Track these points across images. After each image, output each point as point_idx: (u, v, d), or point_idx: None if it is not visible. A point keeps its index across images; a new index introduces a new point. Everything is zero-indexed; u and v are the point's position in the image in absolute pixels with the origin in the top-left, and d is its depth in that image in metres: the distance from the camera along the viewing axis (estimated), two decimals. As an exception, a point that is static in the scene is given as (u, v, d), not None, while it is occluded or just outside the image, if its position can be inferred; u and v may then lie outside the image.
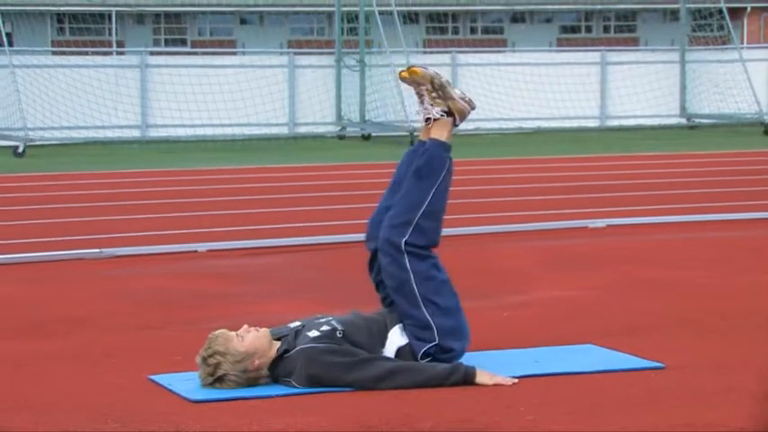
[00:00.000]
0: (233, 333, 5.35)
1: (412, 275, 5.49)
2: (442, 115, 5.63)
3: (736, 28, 32.00)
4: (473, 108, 5.72)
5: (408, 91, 5.99)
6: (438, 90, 5.62)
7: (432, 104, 5.63)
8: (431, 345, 5.46)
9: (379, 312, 5.60)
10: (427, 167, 5.57)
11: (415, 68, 5.64)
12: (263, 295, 7.77)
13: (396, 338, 5.47)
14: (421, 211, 5.54)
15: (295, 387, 5.27)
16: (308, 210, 11.80)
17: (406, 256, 5.50)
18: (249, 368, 5.28)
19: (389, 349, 5.45)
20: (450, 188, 5.66)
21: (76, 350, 6.14)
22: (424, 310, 5.48)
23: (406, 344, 5.47)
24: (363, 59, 21.30)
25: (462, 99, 5.66)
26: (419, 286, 5.49)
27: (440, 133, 5.63)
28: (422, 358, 5.46)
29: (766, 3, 42.54)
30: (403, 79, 5.68)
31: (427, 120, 5.66)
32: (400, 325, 5.50)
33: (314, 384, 5.26)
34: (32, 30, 31.40)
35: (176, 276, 8.50)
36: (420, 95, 5.65)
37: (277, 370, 5.33)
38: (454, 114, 5.64)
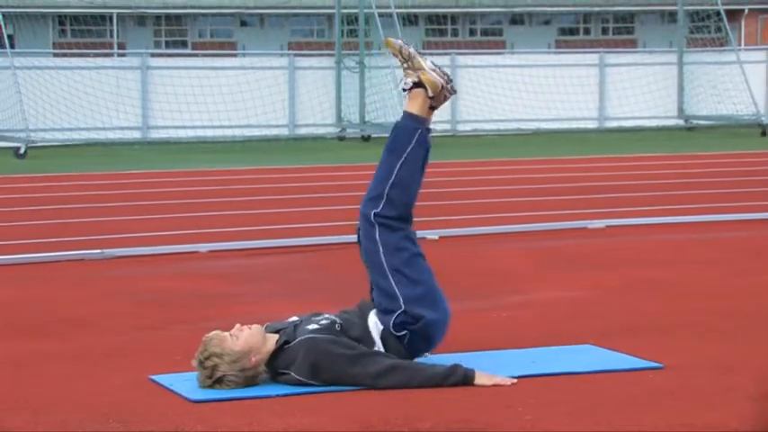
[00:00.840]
0: (226, 333, 5.36)
1: (381, 247, 5.50)
2: (411, 86, 5.65)
3: (733, 30, 32.02)
4: (451, 83, 5.67)
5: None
6: (408, 61, 5.66)
7: (405, 75, 5.67)
8: (397, 313, 5.44)
9: (358, 305, 5.62)
10: (396, 140, 5.60)
11: (388, 40, 5.71)
12: (264, 295, 7.79)
13: (378, 325, 5.48)
14: (390, 183, 5.55)
15: (294, 380, 5.28)
16: (308, 210, 11.83)
17: (376, 227, 5.51)
18: (247, 366, 5.30)
19: (376, 339, 5.45)
20: (426, 163, 5.61)
21: (77, 350, 6.16)
22: (391, 279, 5.48)
23: (384, 329, 5.49)
24: (363, 61, 21.34)
25: (433, 70, 5.66)
26: (387, 257, 5.49)
27: (411, 105, 5.64)
28: (395, 330, 5.43)
29: (764, 5, 42.56)
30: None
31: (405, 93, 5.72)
32: (375, 311, 5.53)
33: (315, 374, 5.27)
34: (34, 31, 31.41)
35: (177, 277, 8.53)
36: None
37: (277, 362, 5.34)
38: (425, 86, 5.66)
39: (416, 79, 5.64)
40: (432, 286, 5.55)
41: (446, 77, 5.68)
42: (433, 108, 5.68)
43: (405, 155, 5.57)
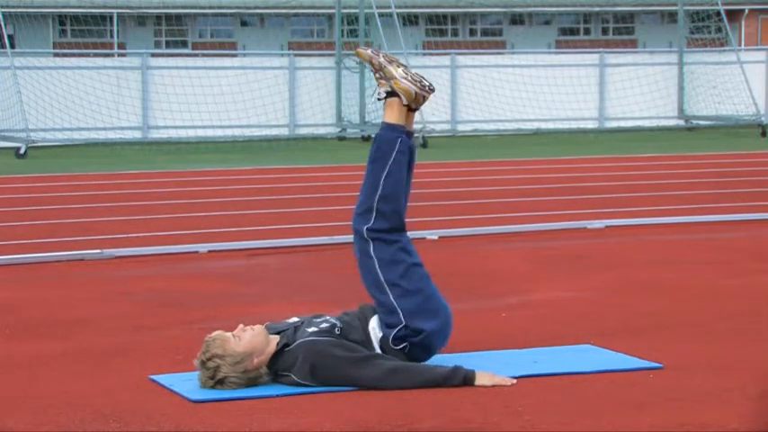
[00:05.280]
0: (229, 334, 5.36)
1: (376, 262, 5.50)
2: (384, 96, 5.64)
3: (733, 30, 32.04)
4: (427, 87, 5.62)
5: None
6: (379, 71, 5.65)
7: (378, 86, 5.66)
8: (398, 328, 5.45)
9: (360, 306, 5.62)
10: (378, 151, 5.58)
11: (359, 51, 5.72)
12: (264, 296, 7.79)
13: (376, 331, 5.49)
14: (377, 196, 5.54)
15: (294, 383, 5.29)
16: (308, 211, 11.83)
17: (370, 243, 5.51)
18: (249, 368, 5.30)
19: (375, 344, 5.46)
20: (413, 166, 5.62)
21: (77, 351, 6.16)
22: (389, 293, 5.48)
23: (382, 337, 5.49)
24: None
25: (405, 78, 5.63)
26: (383, 271, 5.49)
27: (388, 114, 5.63)
28: (394, 343, 5.44)
29: (764, 5, 42.55)
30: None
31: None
32: (376, 317, 5.53)
33: (315, 376, 5.27)
34: (34, 31, 31.40)
35: (177, 277, 8.53)
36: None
37: (277, 364, 5.34)
38: (399, 95, 5.64)
39: (389, 89, 5.63)
40: (430, 294, 5.54)
41: (419, 83, 5.63)
42: (413, 110, 5.66)
43: (388, 166, 5.56)
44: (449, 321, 5.58)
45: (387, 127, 5.61)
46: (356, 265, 5.71)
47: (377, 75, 5.64)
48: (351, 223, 5.70)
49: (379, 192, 5.54)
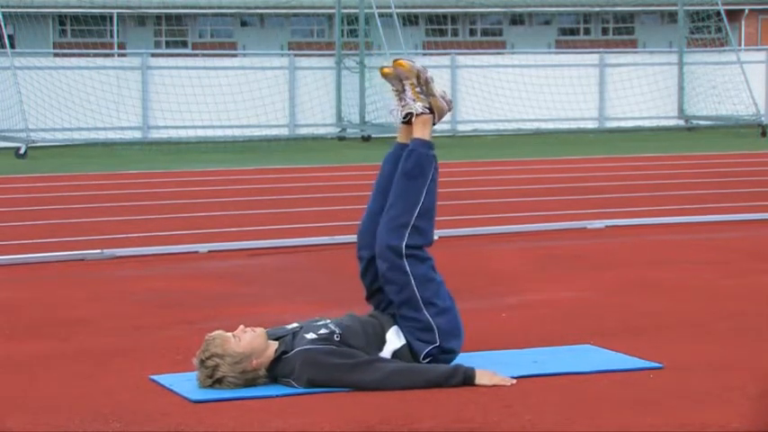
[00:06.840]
0: (229, 334, 5.35)
1: (412, 279, 5.50)
2: (424, 111, 5.63)
3: (733, 30, 32.05)
4: (450, 109, 5.73)
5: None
6: (423, 85, 5.63)
7: (414, 100, 5.62)
8: (433, 346, 5.49)
9: (373, 314, 5.61)
10: (417, 168, 5.58)
11: (401, 62, 5.63)
12: (263, 296, 7.79)
13: (393, 340, 5.49)
14: (417, 213, 5.55)
15: (295, 387, 5.29)
16: (307, 211, 11.83)
17: (405, 259, 5.50)
18: (247, 368, 5.29)
19: (386, 351, 5.46)
20: (439, 186, 5.68)
21: (77, 351, 6.16)
22: (425, 312, 5.49)
23: (403, 345, 5.48)
24: (363, 61, 21.34)
25: (443, 98, 5.67)
26: (420, 289, 5.50)
27: (422, 131, 5.64)
28: (423, 359, 5.49)
29: (764, 5, 42.56)
30: (386, 75, 5.65)
31: (407, 116, 5.64)
32: (396, 327, 5.52)
33: (313, 386, 5.26)
34: (34, 31, 31.40)
35: (177, 277, 8.53)
36: (400, 91, 5.63)
37: (276, 370, 5.34)
38: (434, 112, 5.66)
39: (428, 105, 5.63)
40: (455, 313, 5.59)
41: (450, 102, 5.70)
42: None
43: (428, 183, 5.59)
44: (463, 337, 5.62)
45: (423, 144, 5.62)
46: (356, 266, 5.71)
47: (417, 89, 5.60)
48: (354, 237, 5.67)
49: (418, 208, 5.55)
